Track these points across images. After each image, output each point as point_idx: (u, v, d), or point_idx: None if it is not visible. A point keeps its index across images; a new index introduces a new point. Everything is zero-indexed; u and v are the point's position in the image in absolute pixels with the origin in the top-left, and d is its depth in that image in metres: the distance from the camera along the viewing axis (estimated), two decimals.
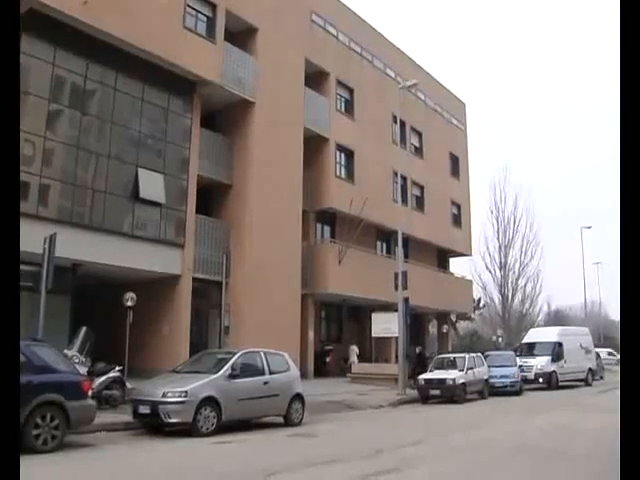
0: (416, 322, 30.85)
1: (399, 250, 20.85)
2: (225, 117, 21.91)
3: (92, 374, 11.98)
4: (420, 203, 31.99)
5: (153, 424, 10.67)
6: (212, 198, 21.57)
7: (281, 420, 12.23)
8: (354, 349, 26.19)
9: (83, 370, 11.25)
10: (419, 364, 21.78)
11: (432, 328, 36.05)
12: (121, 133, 17.53)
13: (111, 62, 17.11)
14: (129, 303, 15.23)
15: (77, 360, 11.94)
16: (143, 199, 17.62)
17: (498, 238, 43.59)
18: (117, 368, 12.98)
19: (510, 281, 43.12)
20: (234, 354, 11.73)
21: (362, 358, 26.26)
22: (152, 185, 17.87)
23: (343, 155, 26.81)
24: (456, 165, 35.88)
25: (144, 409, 10.42)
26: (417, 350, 22.91)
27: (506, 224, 43.69)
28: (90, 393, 9.36)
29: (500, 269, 43.14)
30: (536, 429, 11.58)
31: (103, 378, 12.48)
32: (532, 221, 44.10)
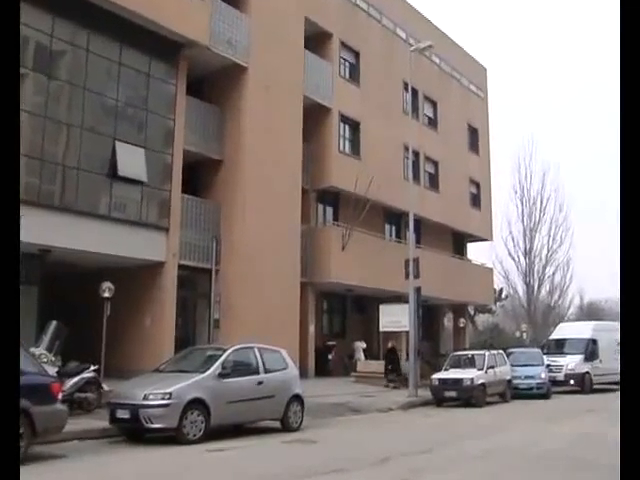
0: (429, 315, 30.91)
1: (410, 234, 20.82)
2: (214, 84, 21.76)
3: (63, 375, 11.87)
4: (434, 181, 31.92)
5: (133, 430, 10.64)
6: (200, 176, 21.52)
7: (278, 425, 12.22)
8: (360, 345, 26.09)
9: (52, 370, 11.14)
10: (390, 361, 22.02)
11: (447, 322, 36.00)
12: (95, 101, 17.37)
13: (82, 19, 16.87)
14: (106, 294, 15.15)
15: (45, 359, 11.88)
16: (122, 177, 17.53)
17: (523, 221, 43.45)
18: (92, 368, 12.88)
19: (536, 269, 43.01)
20: (225, 351, 11.70)
21: (369, 355, 26.19)
22: (132, 161, 17.76)
23: (347, 127, 26.69)
24: (475, 138, 35.72)
25: (123, 414, 10.36)
26: (389, 345, 23.03)
27: (532, 205, 43.51)
28: (60, 396, 9.24)
29: (525, 256, 43.02)
30: (563, 437, 11.55)
31: (76, 379, 12.36)
32: (562, 202, 43.92)
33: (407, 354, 22.25)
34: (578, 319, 45.03)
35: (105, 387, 12.74)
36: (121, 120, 17.93)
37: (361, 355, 25.60)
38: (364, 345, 26.04)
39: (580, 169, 76.69)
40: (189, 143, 19.85)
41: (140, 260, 18.38)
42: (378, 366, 22.96)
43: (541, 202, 43.30)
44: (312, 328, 24.14)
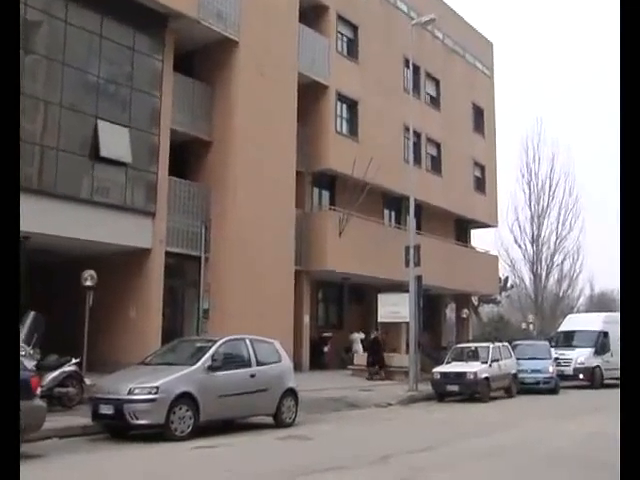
0: (431, 305, 30.95)
1: (411, 220, 20.81)
2: (203, 60, 21.64)
3: (42, 369, 11.84)
4: (436, 164, 31.86)
5: (117, 427, 10.63)
6: (189, 157, 21.47)
7: (270, 420, 12.25)
8: (358, 337, 26.06)
9: (30, 364, 11.05)
10: (373, 352, 22.21)
11: (450, 312, 36.14)
12: (75, 77, 17.23)
13: None
14: (88, 283, 15.03)
15: (23, 352, 11.75)
16: (104, 158, 17.44)
17: (530, 206, 43.36)
18: (73, 361, 12.85)
19: (544, 257, 42.98)
20: (215, 342, 11.70)
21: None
22: (115, 141, 17.67)
23: (345, 106, 26.60)
24: (480, 119, 35.62)
25: (106, 409, 10.33)
26: (372, 334, 23.24)
27: (540, 189, 43.40)
28: (39, 392, 9.19)
29: (532, 243, 42.98)
30: (572, 435, 11.53)
31: (56, 373, 12.34)
32: (572, 186, 43.78)
33: (407, 346, 22.32)
34: (588, 310, 45.19)
35: (87, 381, 12.70)
36: (103, 98, 17.79)
37: (359, 347, 25.60)
38: (362, 337, 26.04)
39: (592, 152, 76.59)
40: (176, 122, 19.75)
41: (125, 247, 18.33)
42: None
43: (550, 186, 43.18)
44: (307, 319, 24.15)
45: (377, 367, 22.00)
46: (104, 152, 17.32)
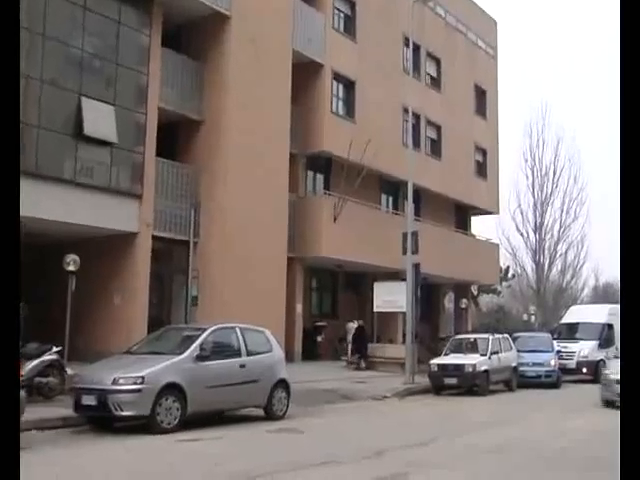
0: (428, 295, 30.97)
1: (409, 205, 20.84)
2: (193, 35, 21.51)
3: (21, 357, 11.70)
4: (436, 148, 31.87)
5: (100, 419, 10.65)
6: (177, 138, 21.43)
7: (261, 412, 12.31)
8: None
9: None
10: (355, 341, 22.49)
11: (448, 303, 36.06)
12: (58, 51, 17.05)
13: None
14: (71, 267, 14.99)
15: None
16: (88, 137, 17.30)
17: (533, 193, 43.42)
18: (55, 349, 12.86)
19: (547, 246, 43.10)
20: (203, 330, 11.74)
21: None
22: (100, 119, 17.55)
23: (341, 86, 26.54)
24: (482, 101, 35.61)
25: (89, 400, 10.33)
26: (356, 323, 23.56)
27: (544, 176, 43.44)
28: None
29: (535, 231, 43.07)
30: (575, 432, 11.57)
31: (36, 362, 12.32)
32: (577, 173, 43.90)
33: (404, 337, 22.33)
34: (593, 302, 45.25)
35: (69, 371, 12.68)
36: (87, 73, 17.62)
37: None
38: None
39: (599, 139, 76.54)
40: (165, 101, 19.64)
41: (109, 230, 18.26)
42: (372, 350, 23.03)
43: (554, 173, 43.27)
44: (299, 307, 24.18)
45: (357, 357, 22.21)
46: (88, 131, 17.18)
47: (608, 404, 14.51)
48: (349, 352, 23.63)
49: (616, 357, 18.96)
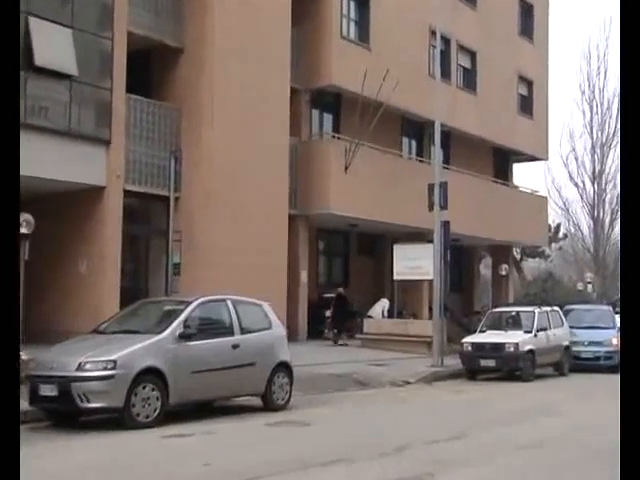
0: (460, 259, 31.19)
1: (436, 150, 20.87)
2: None
3: None
4: (470, 79, 31.88)
5: (63, 412, 10.72)
6: (152, 70, 21.55)
7: (258, 402, 12.43)
8: (382, 304, 25.76)
9: None
10: (339, 313, 23.08)
11: (484, 269, 36.30)
12: None
13: None
14: (23, 230, 14.86)
15: None
16: (40, 68, 17.19)
17: (591, 134, 43.14)
18: None
19: (608, 199, 43.05)
20: (187, 304, 11.81)
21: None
22: (54, 46, 17.49)
23: (353, 4, 26.58)
24: (529, 19, 35.51)
25: (48, 390, 10.38)
26: (338, 290, 23.98)
27: (605, 111, 43.12)
28: None
29: (592, 181, 42.93)
30: None
31: None
32: None
33: (430, 311, 22.40)
34: None
35: (23, 355, 12.58)
36: None
37: (380, 314, 25.36)
38: (387, 304, 25.86)
39: None
40: (136, 24, 19.56)
41: (71, 184, 18.31)
42: (392, 326, 23.12)
43: (618, 107, 42.69)
44: (304, 276, 24.40)
45: (336, 331, 22.88)
46: (39, 60, 17.05)
47: None
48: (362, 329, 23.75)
49: None
